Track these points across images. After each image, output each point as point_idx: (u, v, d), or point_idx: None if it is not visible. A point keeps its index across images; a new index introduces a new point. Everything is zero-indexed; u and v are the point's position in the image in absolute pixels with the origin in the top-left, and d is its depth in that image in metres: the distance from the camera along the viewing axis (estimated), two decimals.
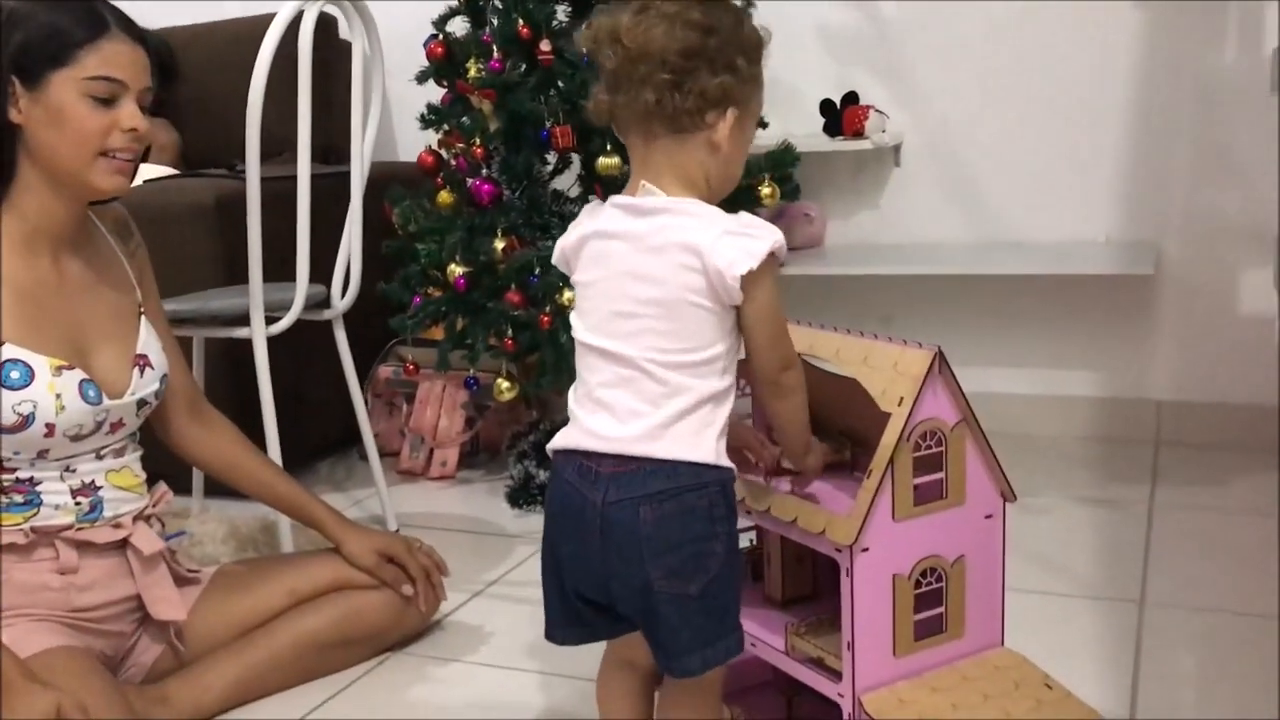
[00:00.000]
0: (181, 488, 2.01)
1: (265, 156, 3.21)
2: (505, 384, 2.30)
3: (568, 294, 2.21)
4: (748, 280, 1.16)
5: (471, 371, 2.40)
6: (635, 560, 1.20)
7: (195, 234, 2.45)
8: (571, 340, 2.16)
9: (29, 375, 1.51)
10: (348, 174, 2.27)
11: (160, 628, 1.66)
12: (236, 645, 1.70)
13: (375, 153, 2.29)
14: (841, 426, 1.46)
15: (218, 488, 2.07)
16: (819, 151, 2.77)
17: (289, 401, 2.22)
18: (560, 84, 2.29)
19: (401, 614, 1.81)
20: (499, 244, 2.28)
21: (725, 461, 1.23)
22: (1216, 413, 2.70)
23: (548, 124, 2.26)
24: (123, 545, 1.62)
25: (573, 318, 1.28)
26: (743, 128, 1.23)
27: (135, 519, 1.63)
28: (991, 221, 2.84)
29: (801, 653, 1.35)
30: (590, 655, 1.72)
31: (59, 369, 1.53)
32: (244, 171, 2.61)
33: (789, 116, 2.85)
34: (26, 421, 1.50)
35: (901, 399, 1.26)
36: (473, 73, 2.29)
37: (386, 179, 2.56)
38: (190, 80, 3.14)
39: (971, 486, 1.32)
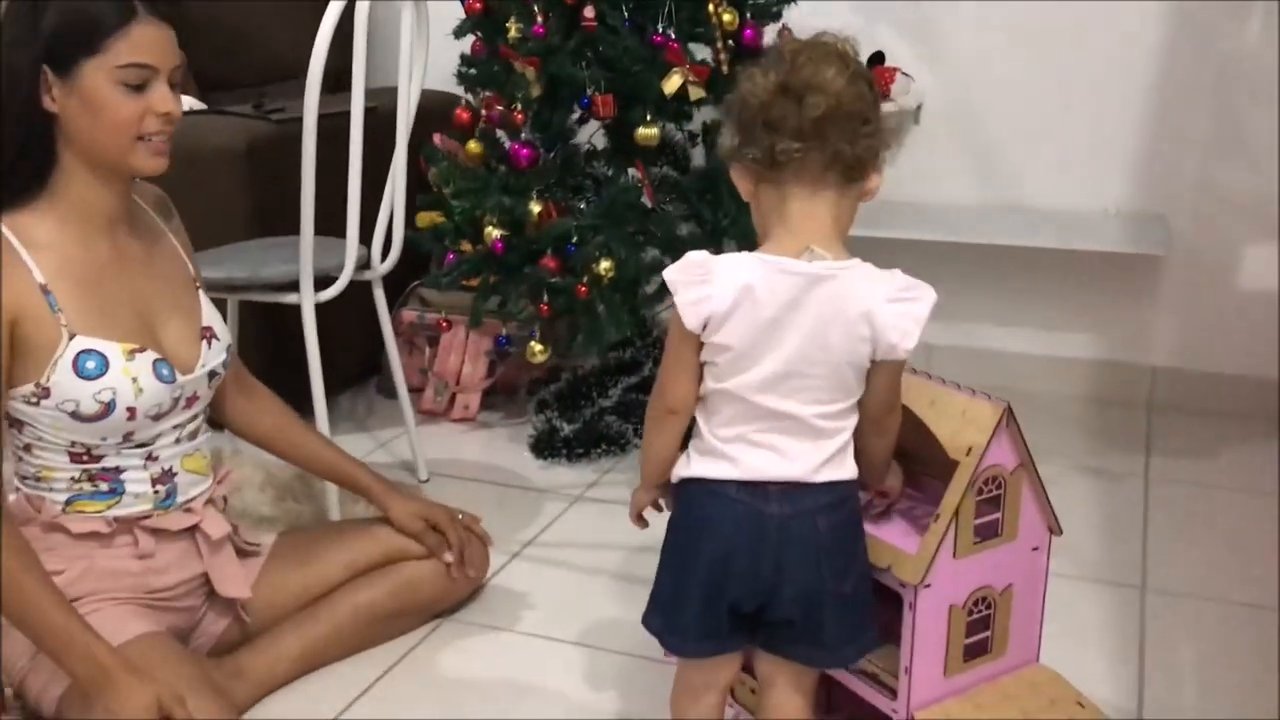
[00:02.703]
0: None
1: (280, 79, 3.19)
2: (539, 347, 2.36)
3: (604, 264, 2.26)
4: None
5: (504, 331, 2.45)
6: (812, 563, 1.31)
7: (224, 181, 2.45)
8: (607, 310, 2.23)
9: (104, 364, 1.54)
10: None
11: (226, 601, 1.74)
12: (300, 617, 1.78)
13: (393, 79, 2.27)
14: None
15: None
16: None
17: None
18: (600, 49, 2.29)
19: (453, 584, 1.90)
20: (535, 207, 2.31)
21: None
22: (1209, 382, 2.82)
23: (589, 91, 2.27)
24: (193, 528, 1.68)
25: (718, 370, 1.32)
26: None
27: (205, 503, 1.69)
28: (1004, 185, 2.90)
29: (857, 666, 1.46)
30: (629, 630, 1.82)
31: (131, 353, 1.57)
32: (271, 112, 2.62)
33: None
34: (109, 409, 1.54)
35: (970, 449, 1.34)
36: (513, 33, 2.29)
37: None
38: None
39: (1023, 523, 1.42)
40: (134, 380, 1.56)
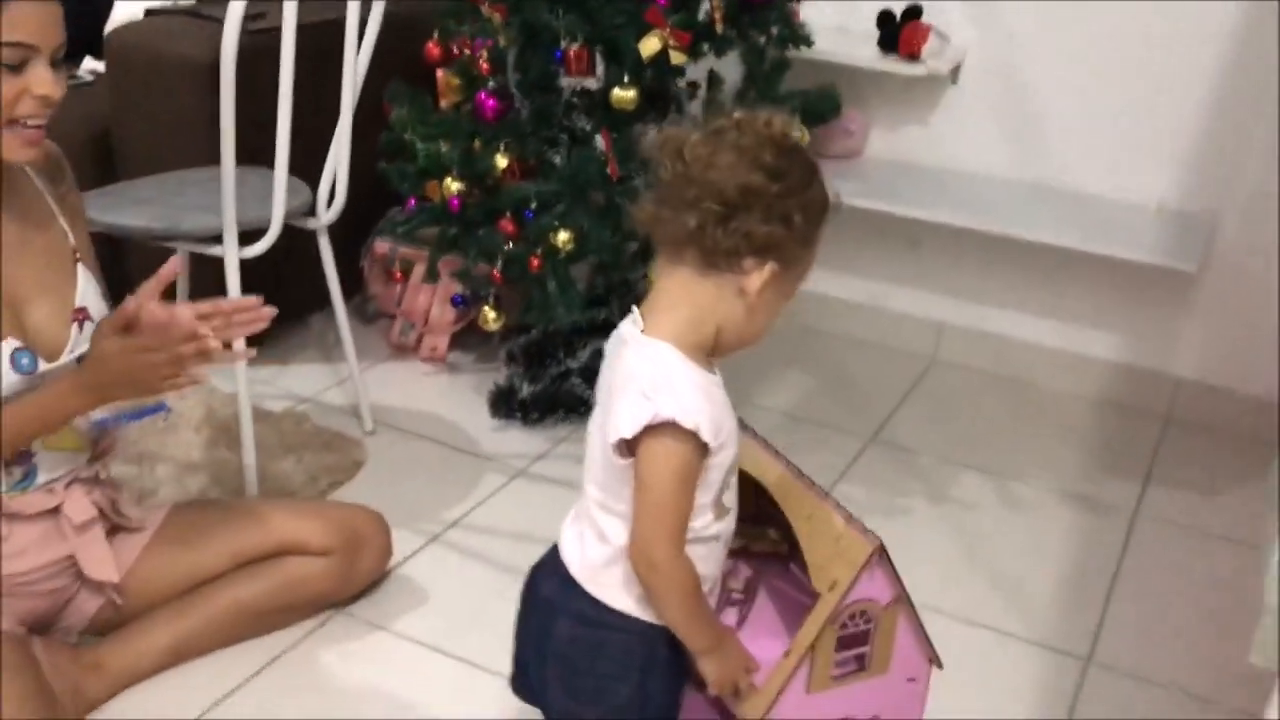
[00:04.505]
0: None
1: None
2: (492, 314, 2.22)
3: (562, 235, 2.09)
4: (633, 447, 1.13)
5: (460, 290, 2.31)
6: (543, 662, 1.26)
7: (182, 96, 2.30)
8: (558, 288, 2.08)
9: None
10: (332, 23, 2.04)
11: (98, 582, 1.67)
12: (173, 608, 1.71)
13: None
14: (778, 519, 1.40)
15: None
16: (866, 70, 2.55)
17: (280, 249, 2.02)
18: None
19: (345, 581, 1.82)
20: (500, 161, 2.14)
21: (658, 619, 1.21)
22: (1232, 402, 2.59)
23: (563, 43, 2.07)
24: (56, 508, 1.60)
25: None
26: (779, 286, 1.17)
27: (69, 484, 1.61)
28: (1041, 161, 2.64)
29: None
30: None
31: None
32: (251, 18, 2.44)
33: (843, 18, 2.62)
34: None
35: (835, 583, 1.19)
36: None
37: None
38: None
39: (897, 656, 1.27)
40: None
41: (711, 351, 1.18)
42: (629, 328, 1.19)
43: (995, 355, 2.79)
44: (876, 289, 2.89)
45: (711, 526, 1.20)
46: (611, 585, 1.20)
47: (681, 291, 1.16)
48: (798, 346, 2.78)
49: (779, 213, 1.12)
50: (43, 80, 1.40)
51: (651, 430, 1.11)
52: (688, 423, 1.11)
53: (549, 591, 1.26)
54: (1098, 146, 2.57)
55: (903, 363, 2.82)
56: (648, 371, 1.14)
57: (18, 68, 1.39)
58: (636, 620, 1.20)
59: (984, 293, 2.78)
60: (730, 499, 1.22)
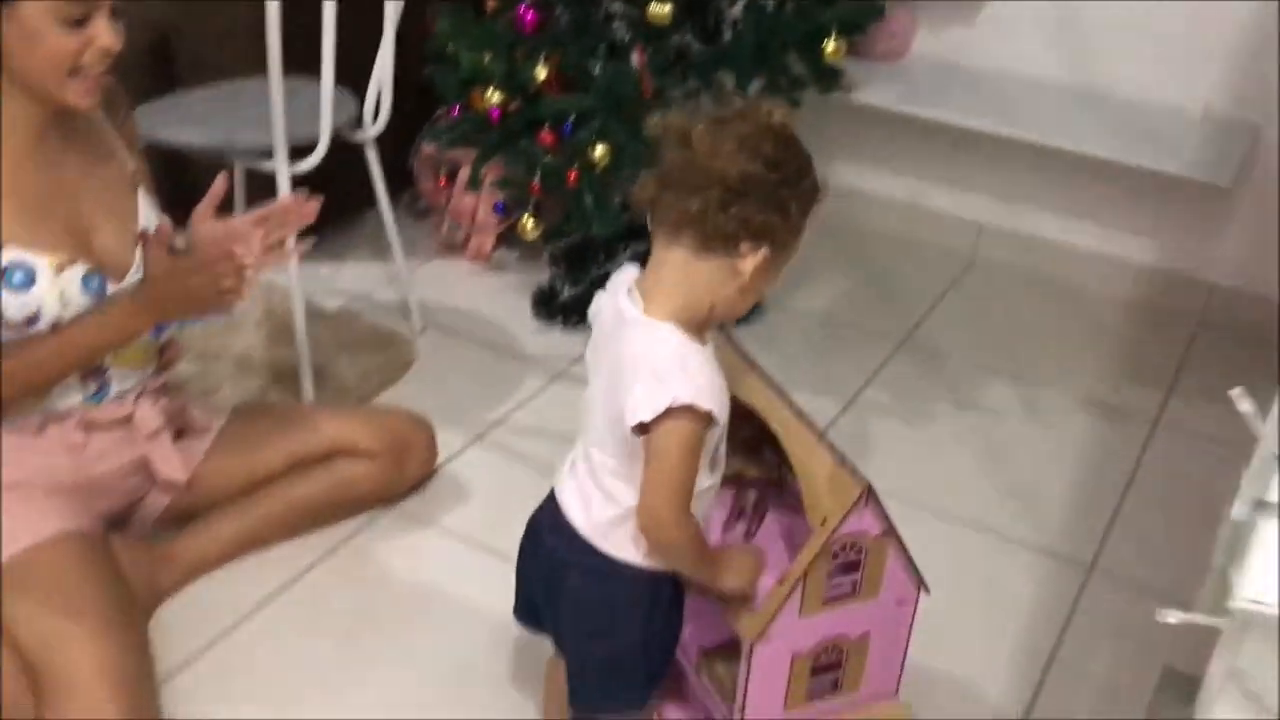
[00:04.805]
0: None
1: None
2: (531, 222, 2.30)
3: (599, 150, 2.16)
4: (647, 428, 1.20)
5: (502, 197, 2.38)
6: (555, 606, 1.38)
7: (239, 4, 2.36)
8: (594, 202, 2.15)
9: (31, 278, 1.56)
10: None
11: (168, 482, 1.82)
12: (236, 506, 1.87)
13: None
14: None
15: None
16: None
17: (331, 152, 2.09)
18: None
19: (391, 484, 1.96)
20: (541, 71, 2.19)
21: (662, 566, 1.32)
22: (1266, 308, 2.60)
23: None
24: (128, 417, 1.74)
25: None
26: (769, 269, 1.24)
27: (139, 396, 1.74)
28: (1088, 64, 2.62)
29: (706, 674, 1.48)
30: None
31: (60, 267, 1.58)
32: None
33: None
34: (31, 321, 1.58)
35: (825, 520, 1.29)
36: None
37: None
38: None
39: (887, 582, 1.38)
40: (60, 294, 1.58)
41: (702, 327, 1.26)
42: (629, 306, 1.24)
43: (1034, 256, 2.83)
44: (917, 187, 2.91)
45: (705, 480, 1.29)
46: (621, 540, 1.30)
47: (680, 272, 1.22)
48: (837, 245, 2.82)
49: (776, 201, 1.19)
50: (105, 32, 1.49)
51: (668, 411, 1.19)
52: (703, 405, 1.19)
53: (555, 545, 1.35)
54: (1145, 51, 2.54)
55: (941, 261, 2.86)
56: (658, 354, 1.21)
57: (81, 21, 1.48)
58: (643, 569, 1.30)
59: (1024, 195, 2.80)
60: (721, 452, 1.32)
